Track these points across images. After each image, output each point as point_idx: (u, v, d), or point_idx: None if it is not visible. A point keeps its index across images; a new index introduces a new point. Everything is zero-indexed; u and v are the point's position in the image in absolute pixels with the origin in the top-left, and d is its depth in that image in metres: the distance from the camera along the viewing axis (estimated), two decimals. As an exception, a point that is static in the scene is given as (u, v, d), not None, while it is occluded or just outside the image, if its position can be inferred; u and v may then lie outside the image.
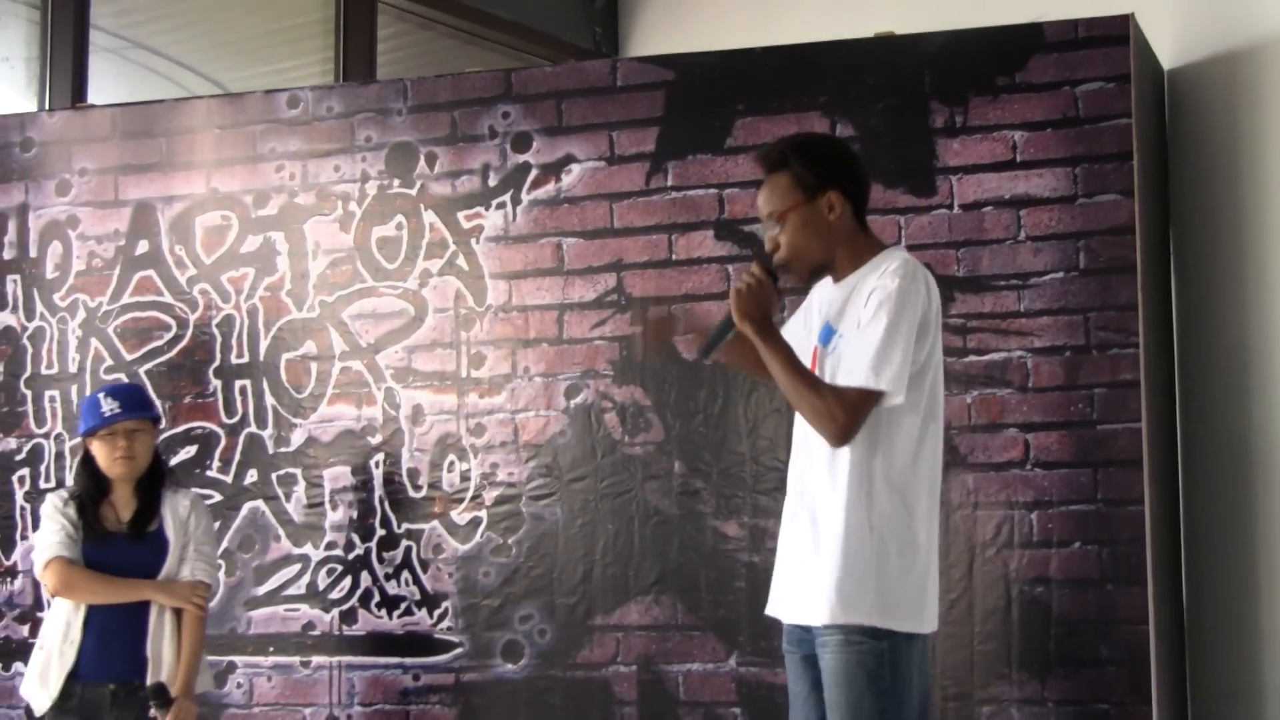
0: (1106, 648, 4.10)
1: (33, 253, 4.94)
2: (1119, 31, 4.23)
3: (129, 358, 4.84)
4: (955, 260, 4.28)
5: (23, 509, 4.85)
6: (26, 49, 5.86)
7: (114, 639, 4.03)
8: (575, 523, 4.50)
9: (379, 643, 4.60)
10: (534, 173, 4.62)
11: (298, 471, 4.70)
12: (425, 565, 4.59)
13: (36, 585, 4.76)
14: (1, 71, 5.87)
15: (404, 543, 4.61)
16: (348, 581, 4.64)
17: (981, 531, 4.19)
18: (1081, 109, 4.23)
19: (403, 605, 4.59)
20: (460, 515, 4.58)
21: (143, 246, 4.88)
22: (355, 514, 4.66)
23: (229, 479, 4.72)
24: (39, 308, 4.92)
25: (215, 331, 4.80)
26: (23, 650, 4.73)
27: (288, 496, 4.71)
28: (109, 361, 4.86)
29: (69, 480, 4.75)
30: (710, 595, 4.38)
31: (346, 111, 4.78)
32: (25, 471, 4.87)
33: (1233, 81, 4.59)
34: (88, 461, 4.16)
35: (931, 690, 3.89)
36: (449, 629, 4.56)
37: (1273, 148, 4.47)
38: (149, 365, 4.81)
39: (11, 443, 4.88)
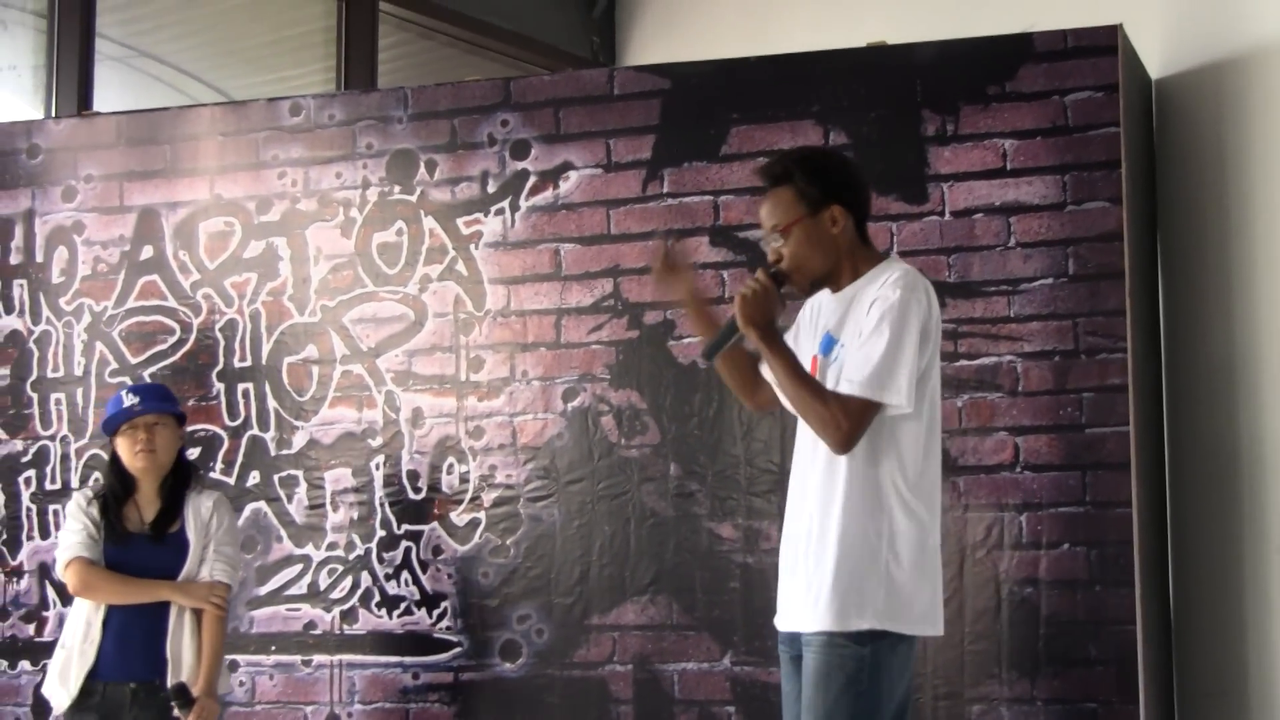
0: (1095, 647, 4.12)
1: (39, 258, 4.97)
2: (1107, 42, 4.26)
3: (134, 361, 4.86)
4: (946, 266, 4.30)
5: (29, 510, 4.87)
6: (33, 57, 5.88)
7: (134, 639, 4.02)
8: (572, 524, 4.53)
9: (379, 642, 4.62)
10: (532, 179, 4.65)
11: (299, 473, 4.72)
12: (425, 566, 4.62)
13: (43, 585, 4.81)
14: (9, 79, 5.89)
15: (404, 543, 4.63)
16: (348, 581, 4.66)
17: (972, 533, 4.21)
18: (1070, 118, 4.26)
19: (402, 605, 4.61)
20: (459, 516, 4.61)
21: (147, 252, 4.90)
22: (356, 515, 4.68)
23: (232, 481, 4.73)
24: (45, 312, 4.94)
25: (218, 335, 4.82)
26: (29, 649, 4.78)
27: (289, 498, 4.73)
28: (114, 365, 4.87)
29: (74, 482, 4.79)
30: (705, 595, 4.41)
31: (348, 119, 4.80)
32: (31, 473, 4.88)
33: (1218, 91, 4.62)
34: (115, 461, 4.15)
35: (919, 689, 3.94)
36: (448, 628, 4.58)
37: (1258, 155, 4.50)
38: (153, 369, 4.82)
39: (18, 444, 4.90)
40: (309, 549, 4.70)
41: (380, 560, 4.65)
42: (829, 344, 3.18)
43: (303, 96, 4.92)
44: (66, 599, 4.39)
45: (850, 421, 3.02)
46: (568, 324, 4.60)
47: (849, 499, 3.06)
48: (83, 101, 5.77)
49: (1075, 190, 4.25)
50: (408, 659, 4.60)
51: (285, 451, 4.74)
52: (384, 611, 4.63)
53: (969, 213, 4.32)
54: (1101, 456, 4.17)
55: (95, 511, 4.09)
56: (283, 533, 4.73)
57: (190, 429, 4.67)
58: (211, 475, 4.71)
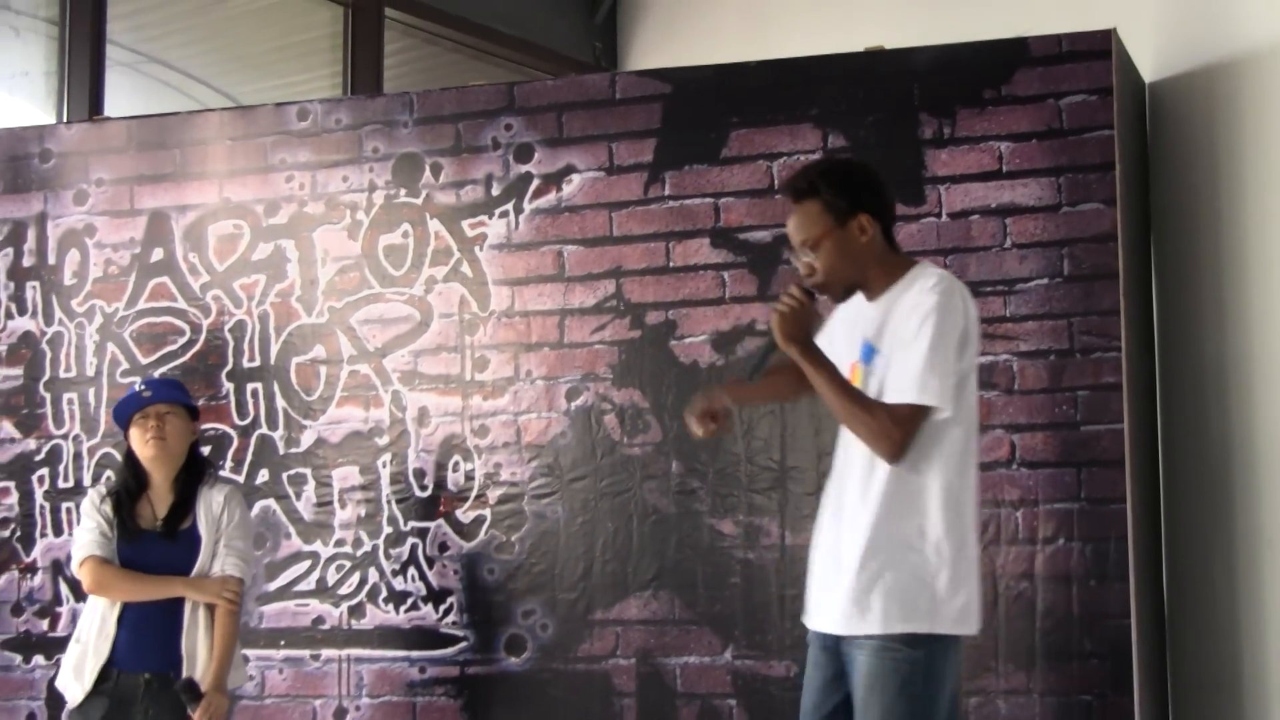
0: (1090, 641, 4.15)
1: (51, 260, 5.00)
2: (1101, 46, 4.29)
3: (144, 361, 4.89)
4: (943, 267, 4.19)
5: (42, 508, 4.90)
6: (45, 63, 5.89)
7: (148, 634, 4.00)
8: (576, 521, 4.56)
9: (386, 636, 4.65)
10: (536, 182, 4.69)
11: (307, 471, 4.75)
12: (431, 562, 4.65)
13: (56, 581, 4.85)
14: (21, 85, 5.91)
15: (410, 540, 4.66)
16: (356, 577, 4.69)
17: (969, 529, 4.26)
18: (1065, 121, 4.29)
19: (409, 600, 4.64)
20: (465, 513, 4.64)
21: (158, 254, 4.94)
22: (363, 512, 4.71)
23: (241, 479, 4.76)
24: (57, 313, 4.98)
25: (228, 336, 4.85)
26: (43, 644, 4.82)
27: (298, 495, 4.76)
28: (125, 365, 4.91)
29: (86, 481, 4.82)
30: (706, 590, 4.44)
31: (354, 123, 4.83)
32: (44, 471, 4.92)
33: (1211, 94, 4.64)
34: (129, 456, 4.13)
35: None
36: (454, 623, 4.61)
37: (1250, 158, 4.53)
38: (164, 369, 4.85)
39: (31, 443, 4.94)
40: (317, 545, 4.73)
41: (387, 556, 4.68)
42: (869, 353, 3.18)
43: (310, 101, 4.95)
44: (80, 595, 4.42)
45: (900, 430, 3.04)
46: (571, 324, 4.64)
47: (890, 502, 3.08)
48: (94, 106, 5.78)
49: (1070, 192, 4.28)
50: (414, 653, 4.62)
51: (294, 450, 4.78)
52: (391, 607, 4.66)
53: (965, 214, 4.35)
54: (1096, 453, 4.19)
55: (108, 509, 4.07)
56: (291, 530, 4.76)
57: (200, 428, 4.70)
58: (221, 474, 4.71)
